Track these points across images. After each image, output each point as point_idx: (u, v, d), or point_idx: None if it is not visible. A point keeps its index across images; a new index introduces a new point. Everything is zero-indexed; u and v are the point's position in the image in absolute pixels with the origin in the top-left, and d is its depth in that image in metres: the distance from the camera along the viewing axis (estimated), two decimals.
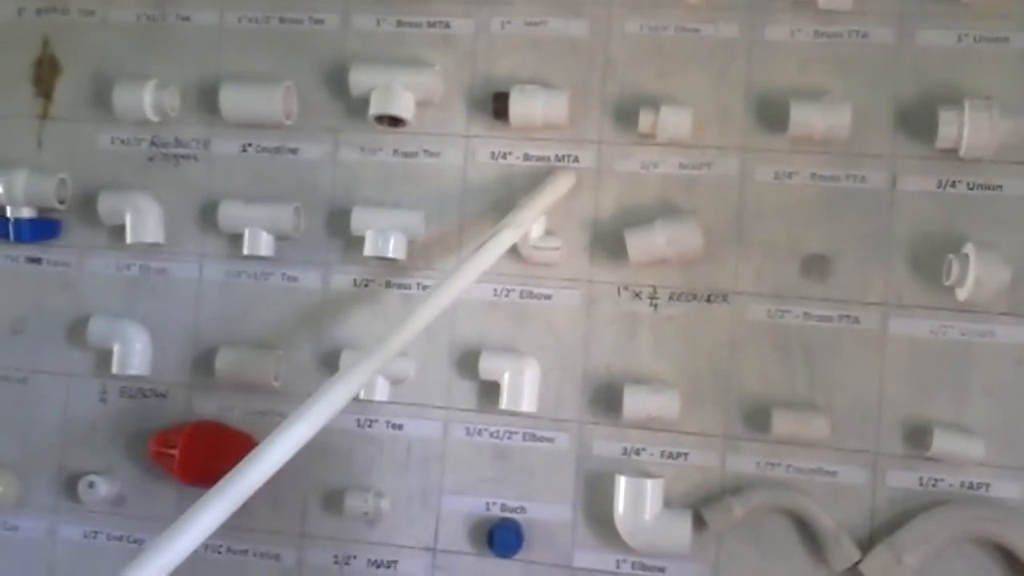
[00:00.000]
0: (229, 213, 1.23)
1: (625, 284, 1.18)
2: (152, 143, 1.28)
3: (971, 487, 1.10)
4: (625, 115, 1.18)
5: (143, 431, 1.24)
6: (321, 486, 1.21)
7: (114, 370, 1.24)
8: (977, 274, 1.05)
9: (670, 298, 1.17)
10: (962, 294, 1.08)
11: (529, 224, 1.11)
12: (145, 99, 1.24)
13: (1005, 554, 1.07)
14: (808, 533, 1.12)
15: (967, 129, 1.06)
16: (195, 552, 1.23)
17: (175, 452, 1.18)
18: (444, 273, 1.18)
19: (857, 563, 1.09)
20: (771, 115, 1.15)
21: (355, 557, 1.21)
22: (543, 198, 1.13)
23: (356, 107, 1.22)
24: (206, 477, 1.16)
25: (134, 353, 1.24)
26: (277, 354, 1.22)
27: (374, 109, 1.18)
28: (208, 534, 0.79)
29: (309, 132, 1.25)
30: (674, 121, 1.14)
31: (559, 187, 1.15)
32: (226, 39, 1.28)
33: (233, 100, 1.23)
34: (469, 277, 1.03)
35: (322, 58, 1.25)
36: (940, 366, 1.11)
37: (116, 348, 1.24)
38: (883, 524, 1.10)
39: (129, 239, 1.24)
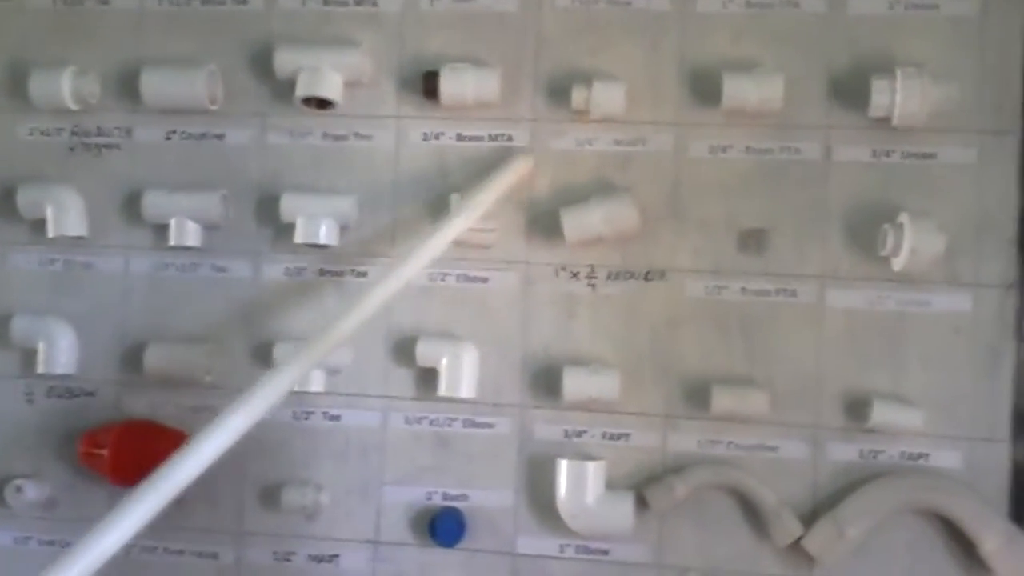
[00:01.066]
0: (154, 202, 1.20)
1: (562, 264, 1.17)
2: (72, 132, 1.25)
3: (911, 457, 1.10)
4: (558, 92, 1.17)
5: (72, 431, 1.21)
6: (258, 481, 1.19)
7: (39, 369, 1.21)
8: (912, 243, 1.05)
9: (608, 277, 1.16)
10: (898, 264, 1.08)
11: (483, 210, 1.09)
12: (64, 87, 1.21)
13: (945, 523, 1.08)
14: (751, 510, 1.12)
15: (899, 97, 1.06)
16: (128, 553, 1.22)
17: (105, 452, 1.16)
18: (382, 260, 1.19)
19: (800, 538, 1.09)
20: (704, 89, 1.14)
21: (295, 553, 1.19)
22: (498, 183, 1.11)
23: (283, 90, 1.20)
24: (138, 477, 1.12)
25: (60, 351, 1.21)
26: (208, 348, 1.20)
27: (301, 91, 1.16)
28: (134, 533, 0.80)
29: (235, 117, 1.23)
30: (607, 97, 1.13)
31: (515, 172, 1.13)
32: (147, 23, 1.25)
33: (155, 86, 1.20)
34: (418, 265, 1.02)
35: (246, 40, 1.23)
36: (877, 337, 1.11)
37: (41, 346, 1.21)
38: (825, 498, 1.11)
39: (51, 233, 1.21)
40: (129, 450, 1.16)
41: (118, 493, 1.14)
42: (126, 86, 1.24)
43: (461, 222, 1.06)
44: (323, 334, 0.96)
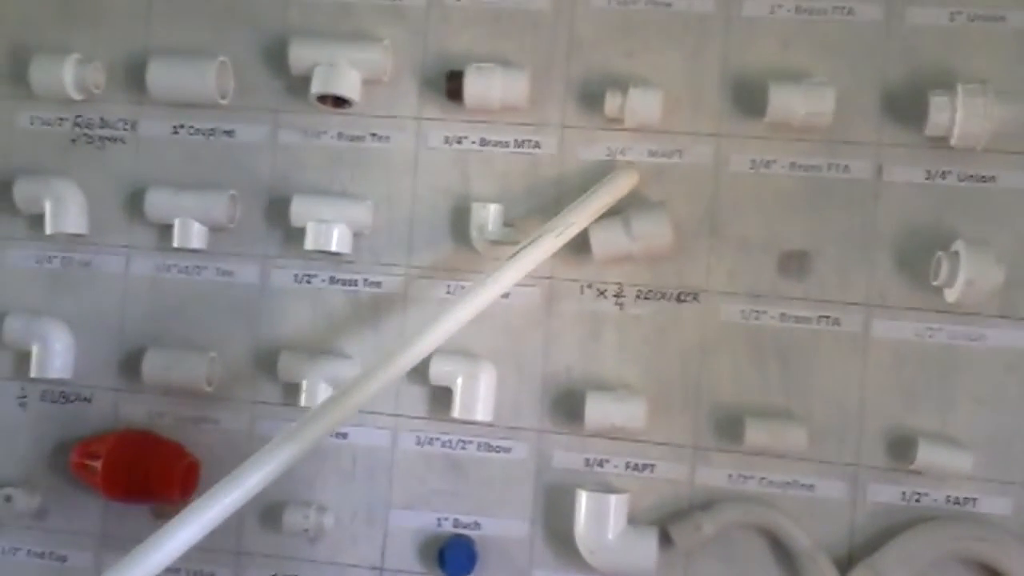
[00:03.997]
0: (158, 201, 1.18)
1: (589, 282, 1.13)
2: (75, 123, 1.23)
3: (957, 502, 1.07)
4: (590, 97, 1.14)
5: (66, 439, 1.19)
6: (259, 500, 1.11)
7: (32, 373, 1.18)
8: (968, 274, 1.01)
9: (637, 297, 1.12)
10: (951, 295, 1.04)
11: (580, 228, 1.06)
12: (66, 75, 1.18)
13: (992, 575, 1.04)
14: (783, 552, 1.08)
15: (960, 116, 1.02)
16: None
17: (98, 464, 1.13)
18: (397, 269, 1.15)
19: None
20: (748, 98, 1.11)
21: None
22: (600, 198, 1.07)
23: (298, 86, 1.17)
24: (132, 491, 1.15)
25: (55, 354, 1.18)
26: (210, 356, 1.17)
27: (316, 88, 1.13)
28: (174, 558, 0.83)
29: (246, 113, 1.20)
30: (643, 104, 1.09)
31: (619, 187, 1.09)
32: (155, 10, 1.22)
33: (162, 77, 1.18)
34: (502, 286, 1.01)
35: (260, 32, 1.20)
36: (926, 372, 1.08)
37: (35, 348, 1.18)
38: (863, 542, 1.07)
39: (49, 229, 1.18)
40: (123, 463, 1.14)
41: (112, 505, 1.16)
42: (132, 76, 1.21)
43: (552, 242, 1.03)
44: (396, 356, 0.96)
